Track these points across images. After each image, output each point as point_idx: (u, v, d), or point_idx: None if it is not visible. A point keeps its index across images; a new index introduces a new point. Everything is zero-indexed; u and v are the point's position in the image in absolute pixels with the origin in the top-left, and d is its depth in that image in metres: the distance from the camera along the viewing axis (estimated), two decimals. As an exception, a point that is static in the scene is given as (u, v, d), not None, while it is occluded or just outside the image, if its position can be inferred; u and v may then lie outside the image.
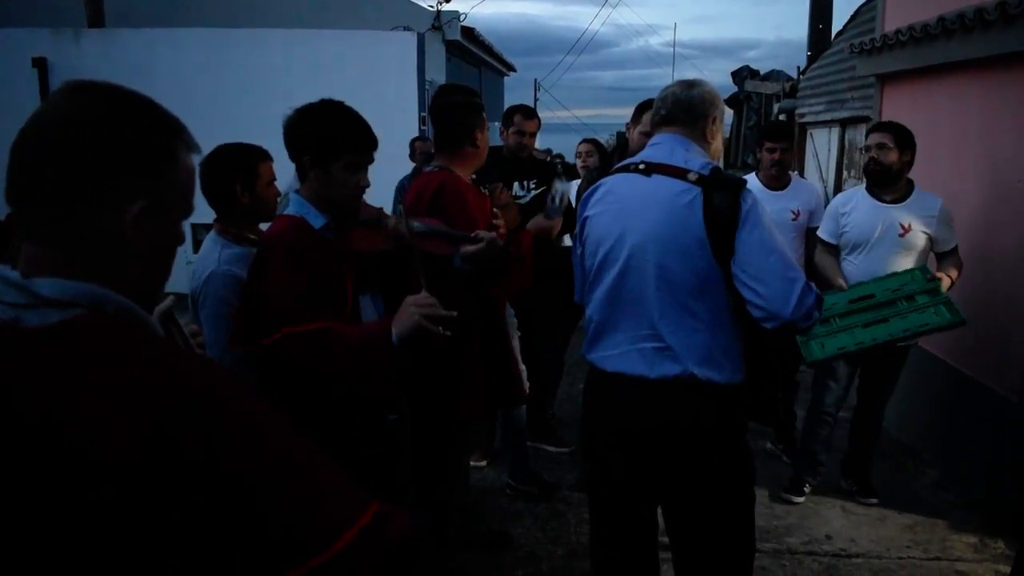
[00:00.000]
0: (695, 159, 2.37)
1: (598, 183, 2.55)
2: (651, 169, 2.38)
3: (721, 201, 2.24)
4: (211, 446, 0.90)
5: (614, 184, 2.48)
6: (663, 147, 2.45)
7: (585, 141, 6.15)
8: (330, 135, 2.37)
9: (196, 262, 2.76)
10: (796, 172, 5.72)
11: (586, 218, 2.53)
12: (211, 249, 2.75)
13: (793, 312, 2.19)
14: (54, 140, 1.00)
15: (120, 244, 1.01)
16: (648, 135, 3.77)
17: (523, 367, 4.13)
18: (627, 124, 4.20)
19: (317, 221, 2.40)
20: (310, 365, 2.27)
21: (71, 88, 1.03)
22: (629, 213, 2.37)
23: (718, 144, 2.54)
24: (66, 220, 1.00)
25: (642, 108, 3.90)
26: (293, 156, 2.43)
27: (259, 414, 0.98)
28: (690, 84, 2.55)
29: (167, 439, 0.88)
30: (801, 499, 4.35)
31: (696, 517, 2.43)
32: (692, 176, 2.29)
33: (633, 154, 3.22)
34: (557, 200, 3.37)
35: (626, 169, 2.47)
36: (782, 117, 11.38)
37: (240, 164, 2.77)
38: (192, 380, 0.95)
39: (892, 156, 4.00)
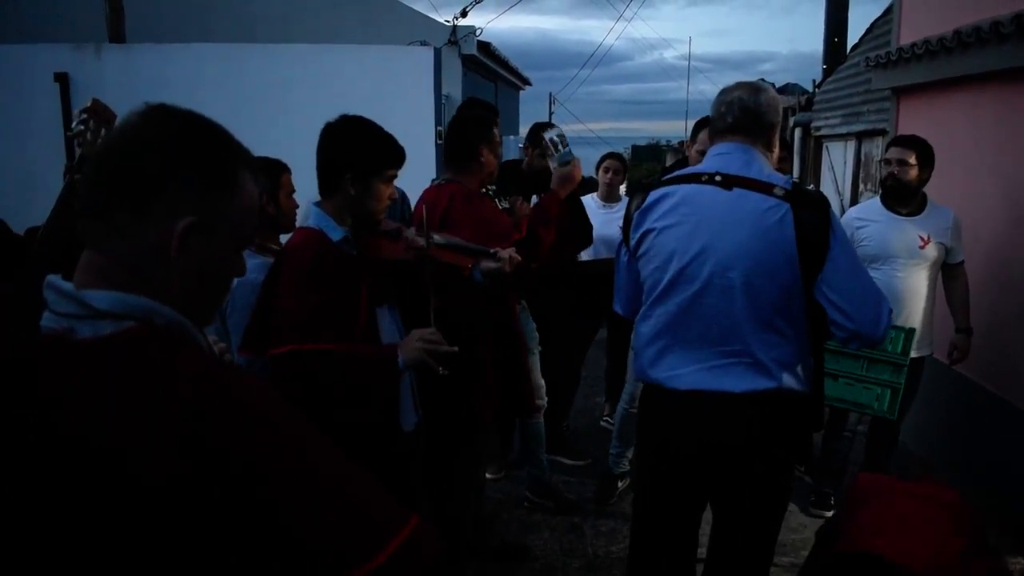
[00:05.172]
0: (773, 172, 2.29)
1: (663, 191, 2.37)
2: (730, 182, 2.26)
3: (811, 219, 2.17)
4: (255, 458, 0.91)
5: (687, 195, 2.31)
6: (734, 158, 2.32)
7: (613, 157, 5.56)
8: (374, 152, 2.44)
9: None
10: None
11: (653, 229, 2.36)
12: None
13: (882, 333, 2.20)
14: (114, 150, 1.04)
15: (165, 259, 1.02)
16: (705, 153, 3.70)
17: (542, 381, 4.14)
18: (684, 142, 4.17)
19: (335, 234, 2.41)
20: (311, 383, 2.30)
21: (146, 107, 1.06)
22: (710, 228, 2.24)
23: (776, 154, 2.43)
24: (119, 228, 1.01)
25: (700, 126, 3.84)
26: (331, 173, 2.44)
27: (298, 426, 0.99)
28: (756, 89, 2.39)
29: (212, 451, 0.89)
30: (831, 513, 4.34)
31: (748, 525, 2.40)
32: (778, 191, 2.19)
33: None
34: (559, 143, 3.18)
35: (696, 179, 2.33)
36: (798, 130, 11.34)
37: (265, 176, 2.80)
38: (237, 394, 0.96)
39: (912, 173, 4.00)
